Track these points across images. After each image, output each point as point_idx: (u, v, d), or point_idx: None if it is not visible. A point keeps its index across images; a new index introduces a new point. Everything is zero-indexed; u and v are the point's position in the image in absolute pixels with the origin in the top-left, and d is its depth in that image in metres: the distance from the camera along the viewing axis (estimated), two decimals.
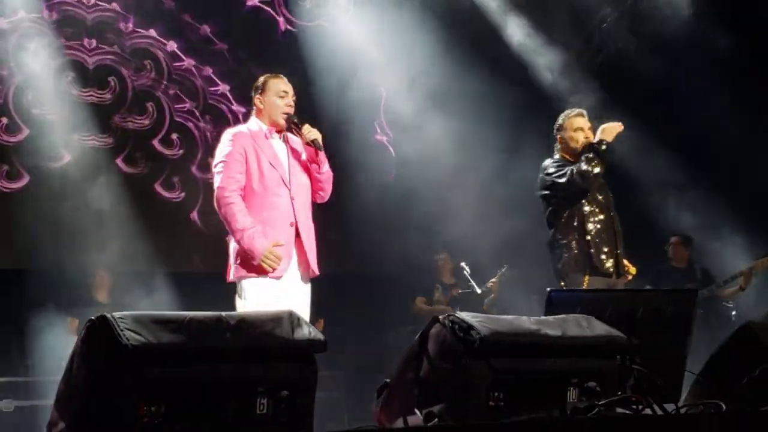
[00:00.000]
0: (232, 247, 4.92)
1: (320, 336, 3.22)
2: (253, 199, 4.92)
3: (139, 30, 9.27)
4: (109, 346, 2.88)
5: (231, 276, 4.93)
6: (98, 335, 2.92)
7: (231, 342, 3.07)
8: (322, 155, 5.02)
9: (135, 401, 2.85)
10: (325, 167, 5.08)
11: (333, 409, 8.48)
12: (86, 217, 8.63)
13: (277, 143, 5.03)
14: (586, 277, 5.78)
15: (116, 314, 2.95)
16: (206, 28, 9.60)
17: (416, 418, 3.33)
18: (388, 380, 3.54)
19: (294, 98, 5.12)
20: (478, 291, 9.27)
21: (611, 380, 3.52)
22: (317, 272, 5.06)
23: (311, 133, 4.99)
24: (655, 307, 4.16)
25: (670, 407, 3.60)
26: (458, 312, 3.44)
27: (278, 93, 5.06)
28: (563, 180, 5.86)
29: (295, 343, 3.16)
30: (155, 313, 3.07)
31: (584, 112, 6.07)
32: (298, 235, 4.93)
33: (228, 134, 5.04)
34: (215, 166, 5.00)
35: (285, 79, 5.16)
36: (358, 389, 8.17)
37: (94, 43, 8.98)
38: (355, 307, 9.21)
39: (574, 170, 5.80)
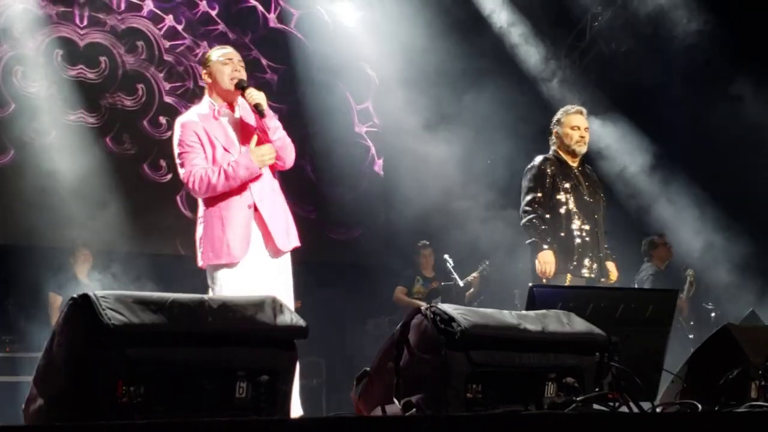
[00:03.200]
0: (198, 232, 4.79)
1: (302, 322, 3.23)
2: None
3: (132, 9, 9.23)
4: (91, 325, 2.87)
5: (199, 261, 4.79)
6: (80, 313, 2.92)
7: (213, 325, 3.07)
8: (268, 121, 4.71)
9: (114, 381, 2.85)
10: (277, 134, 4.74)
11: (312, 395, 8.50)
12: (70, 194, 8.59)
13: (227, 122, 4.78)
14: (569, 276, 5.79)
15: (98, 293, 2.95)
16: (199, 9, 9.57)
17: (394, 407, 3.34)
18: (367, 369, 3.55)
19: (241, 63, 4.83)
20: (461, 284, 9.33)
21: (589, 377, 3.54)
22: (293, 245, 4.84)
23: (253, 96, 4.68)
24: (635, 306, 4.18)
25: (646, 406, 3.63)
26: (440, 303, 3.45)
27: (222, 61, 4.79)
28: (524, 206, 5.92)
29: (277, 328, 3.17)
30: (138, 294, 3.07)
31: (583, 110, 6.06)
32: (258, 216, 4.74)
33: (178, 124, 4.81)
34: (176, 159, 4.78)
35: (229, 48, 4.91)
36: (338, 377, 8.19)
37: (85, 20, 8.93)
38: (336, 296, 9.23)
39: (524, 219, 5.89)
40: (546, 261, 5.74)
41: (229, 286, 4.64)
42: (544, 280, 5.74)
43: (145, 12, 9.30)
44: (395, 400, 3.35)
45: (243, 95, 4.76)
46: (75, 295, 2.98)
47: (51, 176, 8.55)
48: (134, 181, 9.07)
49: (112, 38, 9.08)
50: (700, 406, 3.57)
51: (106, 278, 8.07)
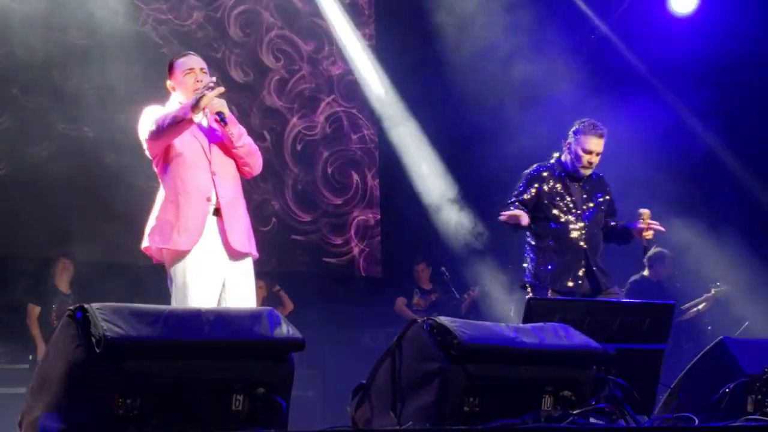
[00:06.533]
0: (152, 214, 4.69)
1: (298, 335, 3.22)
2: (171, 169, 4.67)
3: (129, 18, 9.19)
4: (87, 337, 2.87)
5: (144, 243, 4.69)
6: (76, 325, 2.92)
7: (209, 337, 3.07)
8: (231, 128, 4.65)
9: (111, 393, 2.85)
10: (242, 140, 4.68)
11: (308, 408, 8.48)
12: (62, 205, 8.56)
13: (197, 116, 4.66)
14: (549, 293, 5.65)
15: (95, 305, 2.95)
16: (193, 19, 9.58)
17: (391, 419, 3.34)
18: (363, 381, 3.55)
19: (203, 70, 4.76)
20: (457, 295, 9.36)
21: (586, 390, 3.54)
22: (248, 252, 4.71)
23: (215, 105, 4.57)
24: (632, 319, 4.18)
25: (643, 419, 3.63)
26: (437, 316, 3.45)
27: (183, 71, 4.76)
28: (508, 202, 5.81)
29: (273, 341, 3.16)
30: (134, 306, 3.07)
31: (604, 132, 5.75)
32: (217, 213, 4.64)
33: (145, 109, 4.77)
34: (141, 132, 4.69)
35: (191, 56, 4.86)
36: (334, 389, 8.17)
37: (83, 32, 8.90)
38: (333, 307, 9.21)
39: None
40: (510, 212, 5.59)
41: (183, 276, 4.56)
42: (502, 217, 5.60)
43: (142, 20, 9.27)
44: (391, 413, 3.35)
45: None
46: (71, 307, 2.98)
47: (35, 186, 8.51)
48: (124, 191, 8.98)
49: (108, 48, 9.04)
50: (696, 420, 3.57)
51: (88, 290, 7.93)
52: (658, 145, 9.20)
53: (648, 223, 5.61)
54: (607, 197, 5.89)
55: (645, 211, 5.64)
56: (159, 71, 8.85)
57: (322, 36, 10.23)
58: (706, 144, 9.51)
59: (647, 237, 5.66)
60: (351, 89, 10.38)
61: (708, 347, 4.18)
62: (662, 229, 5.68)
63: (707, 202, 9.27)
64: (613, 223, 5.90)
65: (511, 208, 5.67)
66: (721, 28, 9.18)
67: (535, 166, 5.87)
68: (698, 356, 4.23)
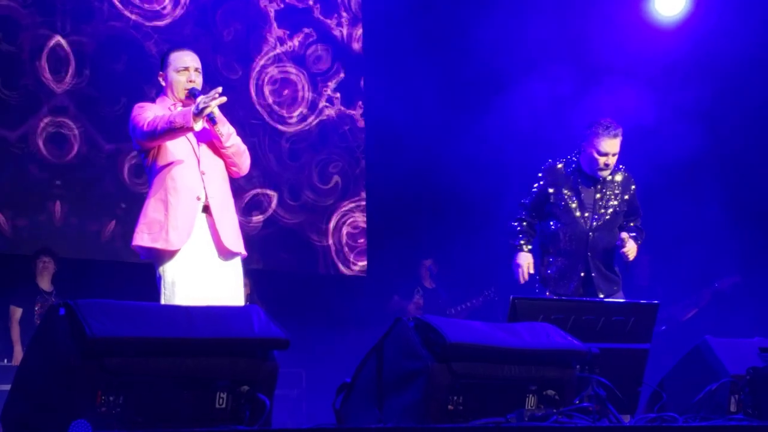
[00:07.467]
0: (141, 213, 4.69)
1: (283, 333, 3.22)
2: (161, 167, 4.67)
3: (117, 14, 9.16)
4: (71, 334, 2.86)
5: (133, 241, 4.67)
6: (60, 322, 2.90)
7: (193, 335, 3.06)
8: (220, 128, 4.63)
9: (94, 390, 2.84)
10: (231, 140, 4.70)
11: (293, 406, 8.49)
12: (45, 202, 8.53)
13: (197, 125, 4.60)
14: (547, 293, 5.63)
15: (79, 301, 2.94)
16: (176, 15, 9.54)
17: (375, 417, 3.34)
18: (348, 380, 3.55)
19: (197, 70, 4.77)
20: (440, 293, 9.39)
21: (570, 389, 3.55)
22: (238, 252, 4.73)
23: (206, 106, 4.52)
24: (616, 318, 4.19)
25: (626, 418, 3.64)
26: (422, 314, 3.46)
27: (177, 68, 4.74)
28: (519, 205, 5.82)
29: (258, 339, 3.16)
30: (118, 302, 3.07)
31: (619, 131, 5.54)
32: (206, 212, 4.66)
33: (136, 105, 4.77)
34: (132, 129, 4.66)
35: (187, 52, 4.83)
36: (319, 388, 8.17)
37: (68, 27, 8.87)
38: (317, 306, 9.21)
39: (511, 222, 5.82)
40: (517, 263, 5.65)
41: (173, 275, 4.57)
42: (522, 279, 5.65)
43: (129, 15, 9.23)
44: (376, 411, 3.35)
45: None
46: (55, 303, 2.97)
47: (20, 180, 8.47)
48: (108, 187, 8.94)
49: (95, 45, 9.00)
50: (680, 419, 3.59)
51: (70, 288, 7.89)
52: (641, 141, 9.24)
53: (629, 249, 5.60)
54: (627, 197, 5.72)
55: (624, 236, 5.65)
56: (142, 67, 8.97)
57: (310, 33, 10.22)
58: (690, 143, 9.55)
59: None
60: (339, 88, 10.37)
61: (692, 347, 4.20)
62: (629, 258, 5.65)
63: (690, 200, 9.31)
64: (632, 224, 5.78)
65: (515, 224, 5.72)
66: (707, 27, 9.21)
67: (555, 164, 5.65)
68: (683, 356, 4.24)
